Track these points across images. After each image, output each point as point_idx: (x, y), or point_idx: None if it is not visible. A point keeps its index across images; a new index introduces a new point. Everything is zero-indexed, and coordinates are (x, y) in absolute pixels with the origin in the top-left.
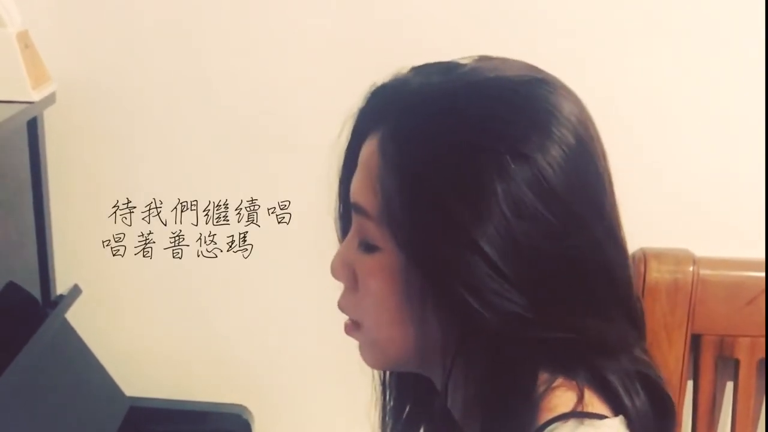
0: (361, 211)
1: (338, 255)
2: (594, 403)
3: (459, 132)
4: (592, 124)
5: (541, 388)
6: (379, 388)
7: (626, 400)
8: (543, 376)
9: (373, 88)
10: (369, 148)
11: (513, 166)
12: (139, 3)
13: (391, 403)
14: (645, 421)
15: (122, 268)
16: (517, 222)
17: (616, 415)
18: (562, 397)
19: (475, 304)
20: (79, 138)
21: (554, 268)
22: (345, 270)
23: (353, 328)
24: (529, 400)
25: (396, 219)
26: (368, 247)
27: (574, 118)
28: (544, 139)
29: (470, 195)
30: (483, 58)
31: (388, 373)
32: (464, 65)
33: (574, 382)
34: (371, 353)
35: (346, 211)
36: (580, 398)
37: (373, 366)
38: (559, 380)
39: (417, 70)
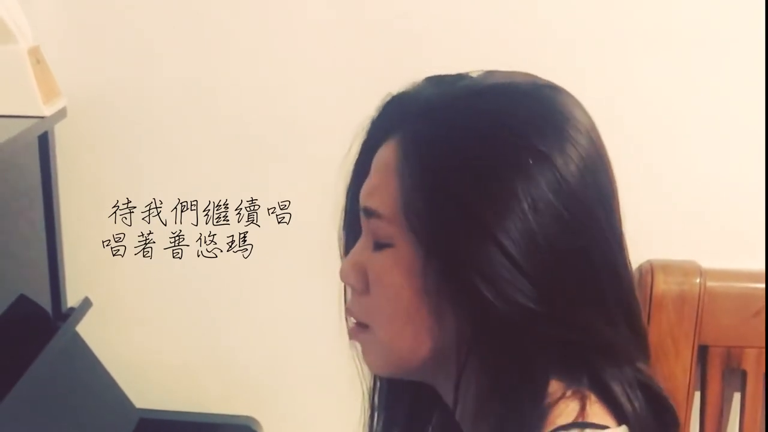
0: (372, 213)
1: (349, 258)
2: (597, 412)
3: (479, 131)
4: (599, 134)
5: (548, 398)
6: (367, 410)
7: (628, 408)
8: (551, 384)
9: (387, 99)
10: (385, 153)
11: (532, 163)
12: (148, 18)
13: (379, 426)
14: (647, 429)
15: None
16: (535, 217)
17: (619, 424)
18: (566, 407)
19: (490, 295)
20: (90, 152)
21: (566, 263)
22: (355, 272)
23: (359, 330)
24: (538, 397)
25: (418, 215)
26: (380, 246)
27: (587, 123)
28: (560, 139)
29: (490, 191)
30: (492, 71)
31: (377, 393)
32: (475, 75)
33: (579, 392)
34: (380, 356)
35: (353, 221)
36: (583, 407)
37: (378, 371)
38: (565, 388)
39: (430, 80)
